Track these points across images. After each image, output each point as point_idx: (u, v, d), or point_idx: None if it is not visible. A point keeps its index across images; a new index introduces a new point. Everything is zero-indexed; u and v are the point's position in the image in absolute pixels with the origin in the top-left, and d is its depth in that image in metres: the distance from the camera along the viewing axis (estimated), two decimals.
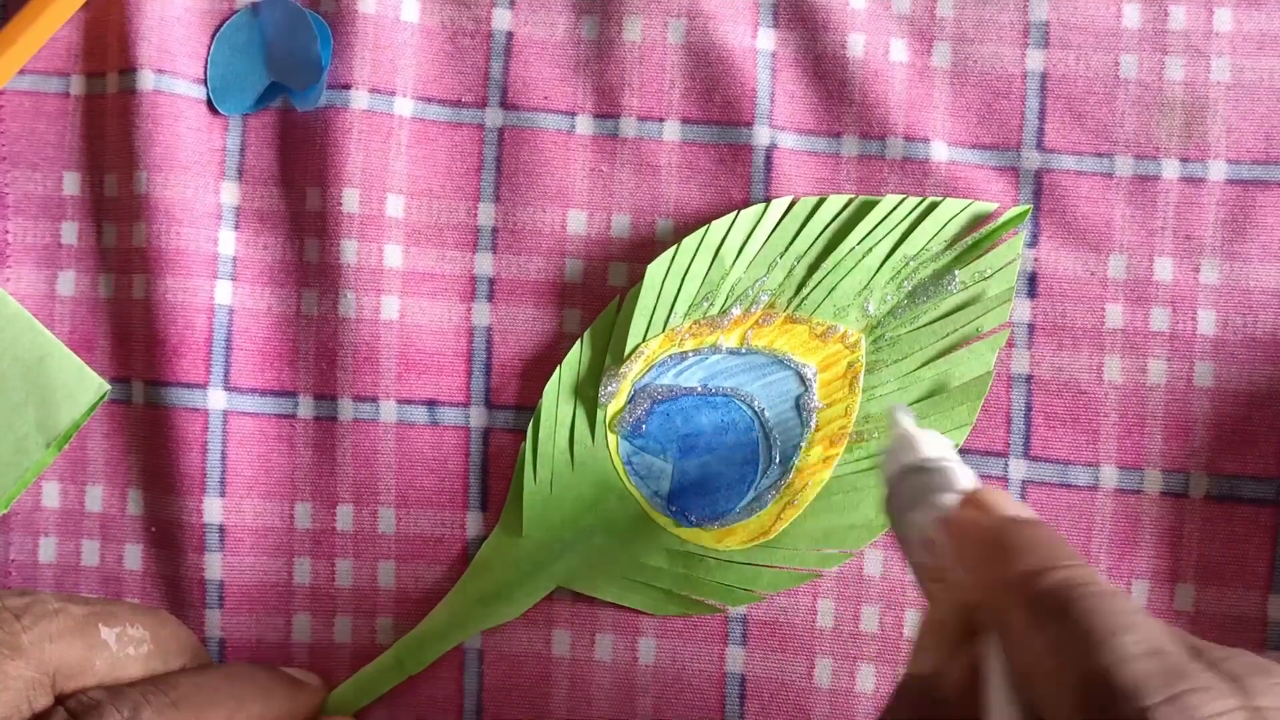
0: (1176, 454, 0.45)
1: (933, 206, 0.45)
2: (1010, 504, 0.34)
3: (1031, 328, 0.46)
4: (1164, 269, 0.45)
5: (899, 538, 0.37)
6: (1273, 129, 0.45)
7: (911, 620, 0.45)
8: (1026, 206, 0.45)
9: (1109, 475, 0.45)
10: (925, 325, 0.46)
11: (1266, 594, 0.45)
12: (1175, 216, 0.45)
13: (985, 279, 0.45)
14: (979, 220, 0.45)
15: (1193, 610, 0.45)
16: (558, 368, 0.46)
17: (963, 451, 0.45)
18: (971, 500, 0.35)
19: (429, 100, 0.47)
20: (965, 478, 0.36)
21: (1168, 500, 0.45)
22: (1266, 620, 0.45)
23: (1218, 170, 0.45)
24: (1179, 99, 0.45)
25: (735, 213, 0.45)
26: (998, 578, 0.31)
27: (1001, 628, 0.31)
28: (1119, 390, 0.45)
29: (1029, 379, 0.45)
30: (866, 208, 0.45)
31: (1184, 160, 0.45)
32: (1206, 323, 0.45)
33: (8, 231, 0.46)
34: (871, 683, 0.45)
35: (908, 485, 0.37)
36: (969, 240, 0.45)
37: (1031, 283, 0.46)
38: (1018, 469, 0.45)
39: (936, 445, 0.38)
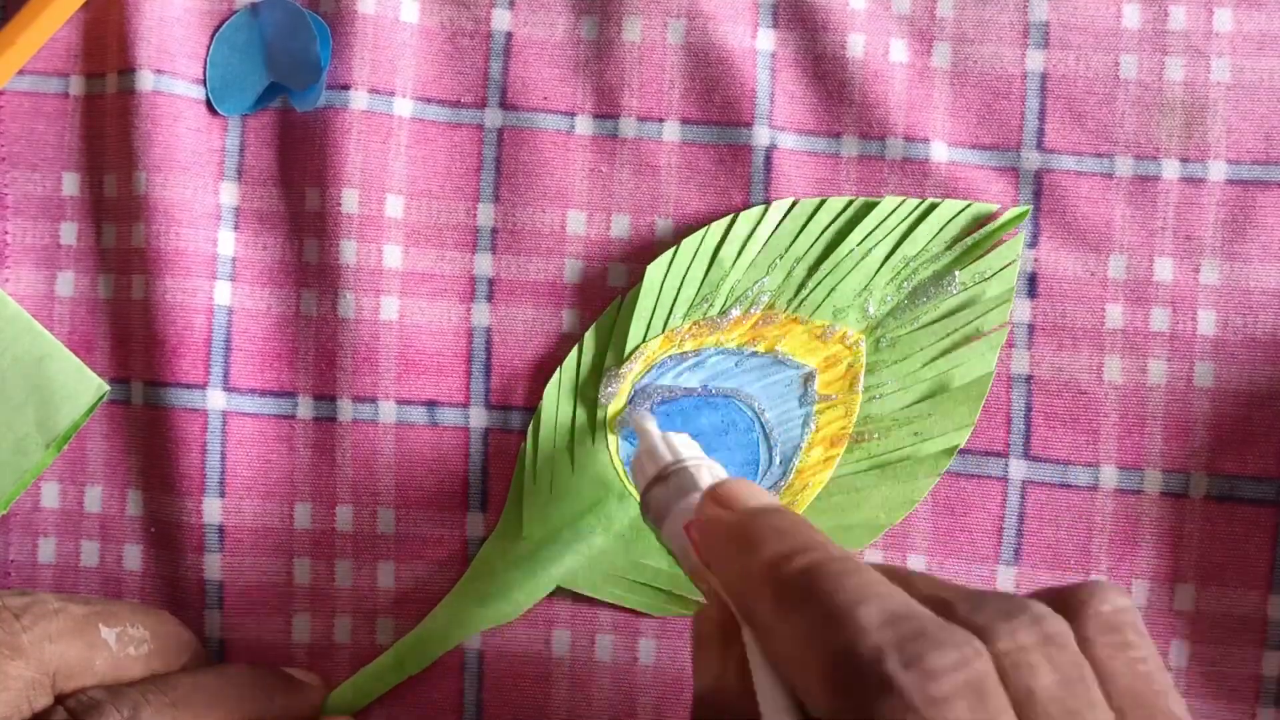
0: (1176, 454, 0.45)
1: (932, 207, 0.45)
2: (753, 494, 0.34)
3: (1031, 328, 0.46)
4: (1164, 269, 0.45)
5: (668, 547, 0.37)
6: (1273, 129, 0.45)
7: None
8: (1026, 207, 0.45)
9: (1109, 475, 0.45)
10: (925, 326, 0.46)
11: (1266, 594, 0.45)
12: (1175, 217, 0.45)
13: (985, 280, 0.45)
14: (979, 221, 0.45)
15: (1193, 610, 0.45)
16: (558, 369, 0.46)
17: (963, 452, 0.45)
18: (712, 496, 0.34)
19: (428, 101, 0.47)
20: (709, 475, 0.36)
21: (1168, 500, 0.45)
22: (1267, 620, 0.45)
23: (1218, 170, 0.45)
24: (1179, 99, 0.45)
25: (735, 214, 0.45)
26: (743, 572, 0.31)
27: (751, 622, 0.31)
28: (1119, 390, 0.45)
29: (1029, 379, 0.46)
30: (866, 209, 0.45)
31: (1184, 160, 0.45)
32: (1206, 323, 0.45)
33: (7, 232, 0.46)
34: None
35: (657, 493, 0.37)
36: (969, 241, 0.45)
37: (1031, 283, 0.46)
38: (1018, 469, 0.45)
39: (680, 446, 0.38)
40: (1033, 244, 0.46)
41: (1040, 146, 0.46)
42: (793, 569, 0.30)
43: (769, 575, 0.30)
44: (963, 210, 0.45)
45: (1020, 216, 0.45)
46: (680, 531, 0.35)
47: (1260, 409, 0.45)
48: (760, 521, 0.32)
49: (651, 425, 0.40)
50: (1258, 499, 0.45)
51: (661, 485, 0.37)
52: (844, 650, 0.28)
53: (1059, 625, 0.29)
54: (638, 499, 0.45)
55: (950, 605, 0.30)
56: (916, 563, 0.46)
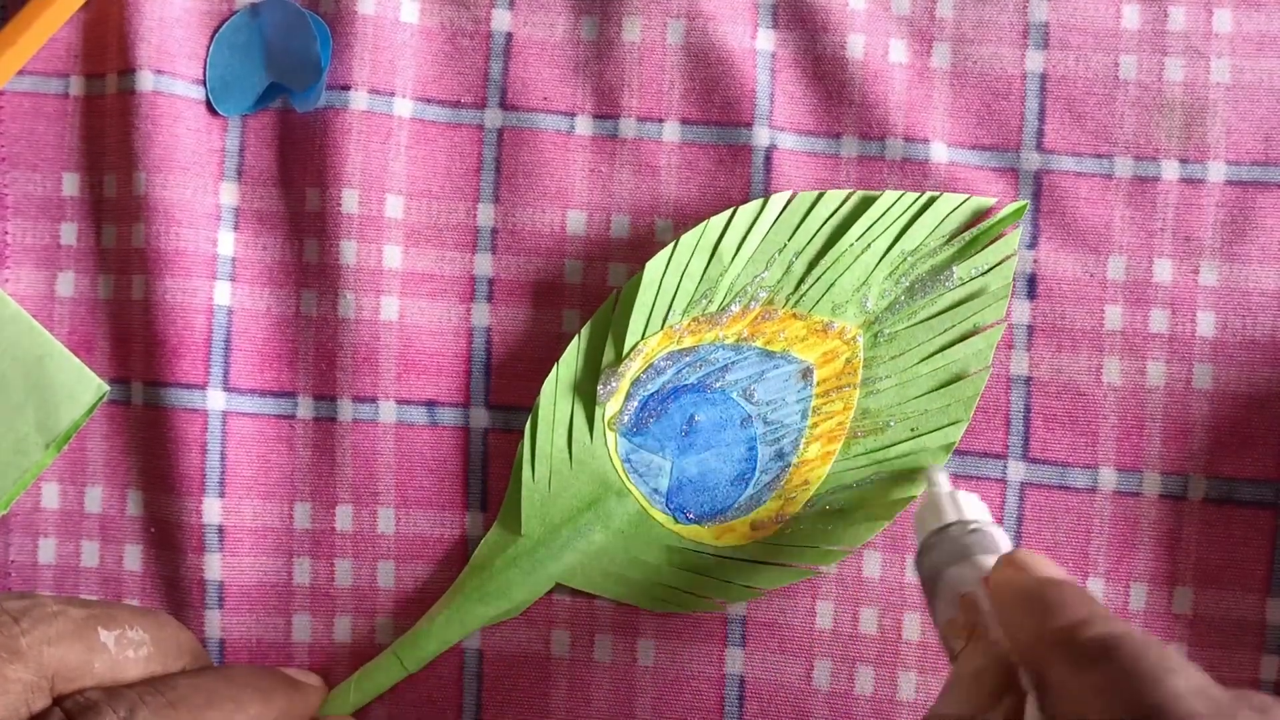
0: (1175, 456, 0.45)
1: (930, 202, 0.45)
2: (1046, 565, 0.36)
3: (1031, 329, 0.46)
4: (1163, 270, 0.45)
5: (928, 591, 0.39)
6: (1272, 130, 0.45)
7: (910, 623, 0.45)
8: (1024, 202, 0.45)
9: (1108, 477, 0.45)
10: (923, 321, 0.46)
11: (1265, 597, 0.45)
12: (1174, 218, 0.45)
13: (983, 274, 0.45)
14: (977, 215, 0.45)
15: (1191, 613, 0.45)
16: (555, 366, 0.46)
17: (961, 453, 0.45)
18: (1010, 560, 0.36)
19: (428, 101, 0.47)
20: (1003, 540, 0.39)
21: (1166, 503, 0.45)
22: (1264, 623, 0.45)
23: (1217, 171, 0.45)
24: (1178, 100, 0.45)
25: (733, 209, 0.45)
26: (1038, 632, 0.33)
27: (1042, 679, 0.32)
28: (1118, 392, 0.45)
29: (1028, 380, 0.46)
30: (865, 204, 0.45)
31: (1183, 161, 0.45)
32: (1205, 325, 0.45)
33: (7, 232, 0.46)
34: (870, 685, 0.45)
35: (946, 543, 0.39)
36: (967, 236, 0.45)
37: (1031, 284, 0.46)
38: (1016, 471, 0.45)
39: (975, 507, 0.40)
40: (1032, 245, 0.46)
41: (1040, 147, 0.46)
42: (1093, 634, 0.32)
43: (1066, 637, 0.32)
44: (961, 204, 0.45)
45: (1019, 211, 0.45)
46: (970, 581, 0.37)
47: (1259, 411, 0.45)
48: (1057, 589, 0.34)
49: (943, 480, 0.42)
50: (1256, 501, 0.45)
51: (958, 536, 0.39)
52: (1153, 711, 0.29)
53: None
54: (638, 496, 0.45)
55: (1242, 696, 0.31)
56: None
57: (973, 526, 0.39)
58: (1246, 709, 0.29)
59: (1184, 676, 0.30)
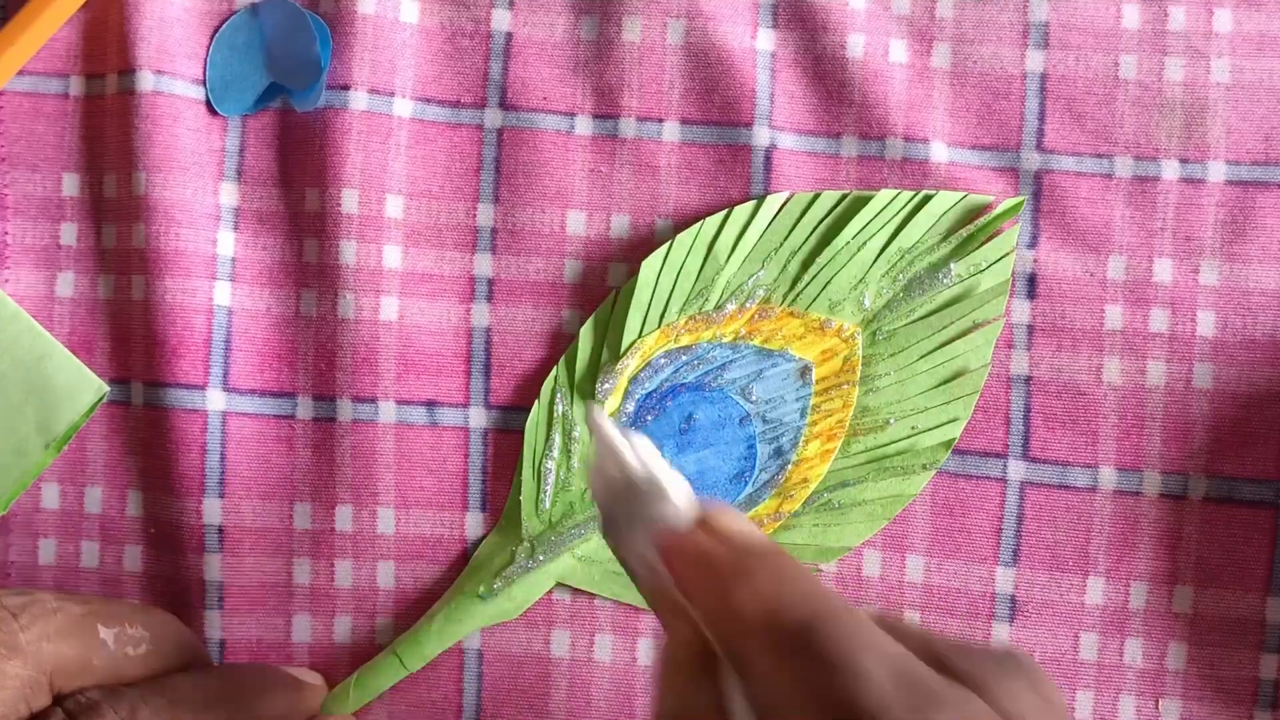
0: (1175, 456, 0.45)
1: (927, 199, 0.45)
2: (746, 529, 0.32)
3: (1031, 329, 0.45)
4: (1163, 270, 0.45)
5: (621, 563, 0.34)
6: (1272, 130, 0.45)
7: (911, 622, 0.45)
8: (1022, 198, 0.45)
9: (1108, 477, 0.45)
10: (921, 318, 0.46)
11: (1265, 596, 0.45)
12: (1175, 217, 0.45)
13: (981, 271, 0.45)
14: (975, 212, 0.45)
15: (1191, 612, 0.45)
16: (555, 365, 0.46)
17: (962, 452, 0.45)
18: (703, 525, 0.32)
19: (428, 101, 0.47)
20: (681, 491, 0.34)
21: (1166, 502, 0.45)
22: (1264, 622, 0.45)
23: (1217, 171, 0.45)
24: (1179, 100, 0.45)
25: (729, 208, 0.45)
26: (733, 613, 0.30)
27: (740, 665, 0.30)
28: (1118, 392, 0.45)
29: (1028, 380, 0.45)
30: (861, 202, 0.45)
31: (1183, 161, 0.45)
32: (1206, 324, 0.45)
33: (7, 233, 0.47)
34: None
35: (621, 503, 0.34)
36: (964, 233, 0.45)
37: (1031, 284, 0.46)
38: (1016, 470, 0.45)
39: (644, 451, 0.34)
40: (1032, 244, 0.46)
41: (1040, 147, 0.46)
42: (792, 617, 0.29)
43: (766, 621, 0.29)
44: (958, 202, 0.45)
45: (1016, 207, 0.45)
46: (649, 550, 0.33)
47: (1259, 411, 0.45)
48: (757, 563, 0.31)
49: (609, 427, 0.35)
50: (1256, 501, 0.45)
51: (630, 492, 0.34)
52: (847, 703, 0.27)
53: (1041, 671, 0.30)
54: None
55: (944, 659, 0.29)
56: (915, 563, 0.46)
57: (645, 477, 0.33)
58: (947, 687, 0.28)
59: (880, 660, 0.28)
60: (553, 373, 0.46)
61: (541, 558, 0.45)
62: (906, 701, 0.27)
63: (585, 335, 0.46)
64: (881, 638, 0.29)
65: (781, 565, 0.31)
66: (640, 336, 0.45)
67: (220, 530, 0.46)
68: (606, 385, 0.45)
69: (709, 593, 0.31)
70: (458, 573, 0.46)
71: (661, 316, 0.45)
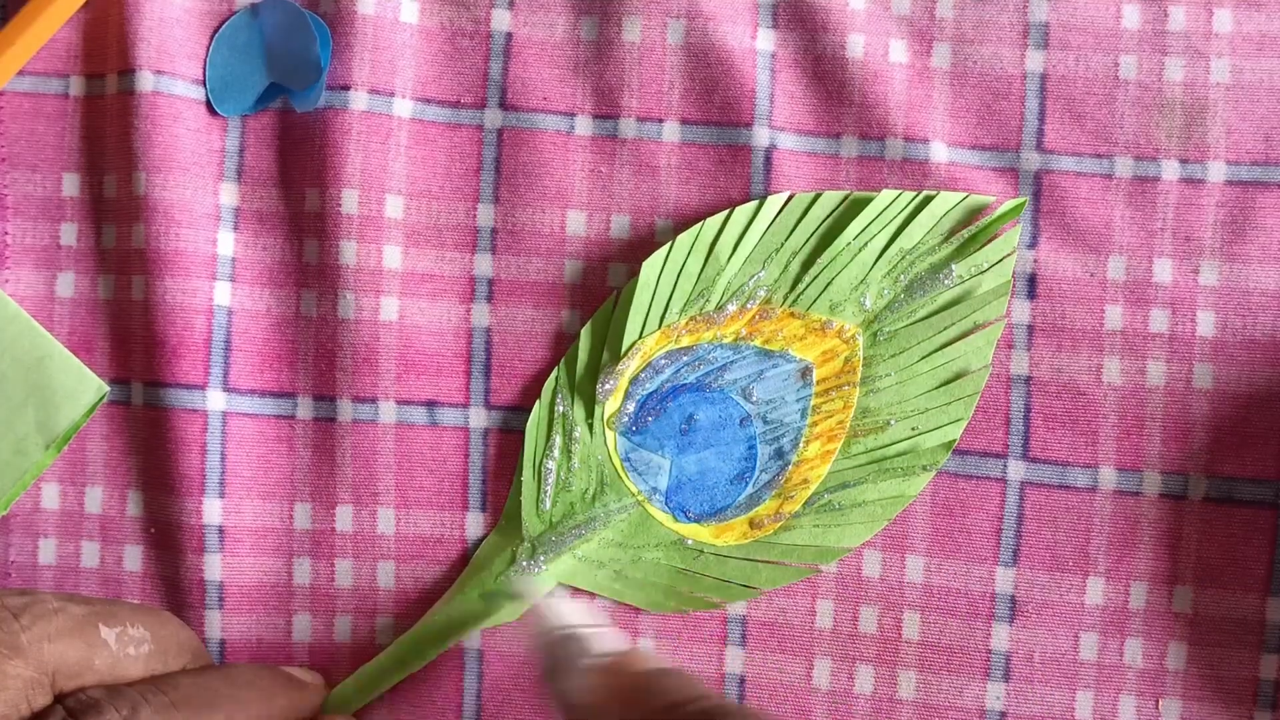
0: (1175, 456, 0.45)
1: (928, 200, 0.45)
2: (645, 659, 0.38)
3: (1031, 329, 0.46)
4: (1163, 270, 0.45)
5: (554, 698, 0.39)
6: (1272, 130, 0.45)
7: (910, 622, 0.45)
8: (1023, 199, 0.45)
9: (1108, 477, 0.45)
10: (923, 319, 0.46)
11: (1265, 596, 0.45)
12: (1175, 218, 0.45)
13: (982, 272, 0.45)
14: (976, 213, 0.45)
15: (1191, 613, 0.45)
16: (556, 366, 0.46)
17: (962, 453, 0.45)
18: (623, 660, 0.38)
19: (428, 101, 0.47)
20: (610, 638, 0.40)
21: (1166, 502, 0.45)
22: (1264, 623, 0.45)
23: (1217, 171, 0.45)
24: (1178, 100, 0.45)
25: (730, 209, 0.45)
26: (647, 715, 0.35)
27: None
28: (1118, 392, 0.45)
29: (1028, 380, 0.46)
30: (862, 203, 0.45)
31: (1183, 161, 0.45)
32: (1205, 324, 0.45)
33: (7, 233, 0.47)
34: (870, 684, 0.45)
35: (559, 651, 0.40)
36: (966, 233, 0.45)
37: (1031, 284, 0.46)
38: (1016, 470, 0.45)
39: (577, 612, 0.41)
40: (1032, 245, 0.46)
41: (1040, 147, 0.46)
42: (691, 710, 0.34)
43: (669, 715, 0.34)
44: (959, 202, 0.45)
45: (1018, 208, 0.45)
46: (573, 688, 0.38)
47: (1259, 411, 0.45)
48: (661, 677, 0.36)
49: (528, 592, 0.44)
50: (1256, 501, 0.45)
51: (566, 643, 0.40)
52: None
53: None
54: (637, 495, 0.45)
55: None
56: (915, 564, 0.46)
57: (581, 631, 0.40)
58: None
59: None
60: (554, 373, 0.46)
61: (542, 558, 0.45)
62: None
63: (586, 336, 0.46)
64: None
65: (683, 679, 0.37)
66: (641, 337, 0.45)
67: (220, 530, 0.46)
68: (607, 386, 0.45)
69: (632, 705, 0.36)
70: (458, 573, 0.46)
71: (662, 317, 0.45)
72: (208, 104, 0.46)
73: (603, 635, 0.40)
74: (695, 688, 0.35)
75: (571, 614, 0.41)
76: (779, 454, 0.46)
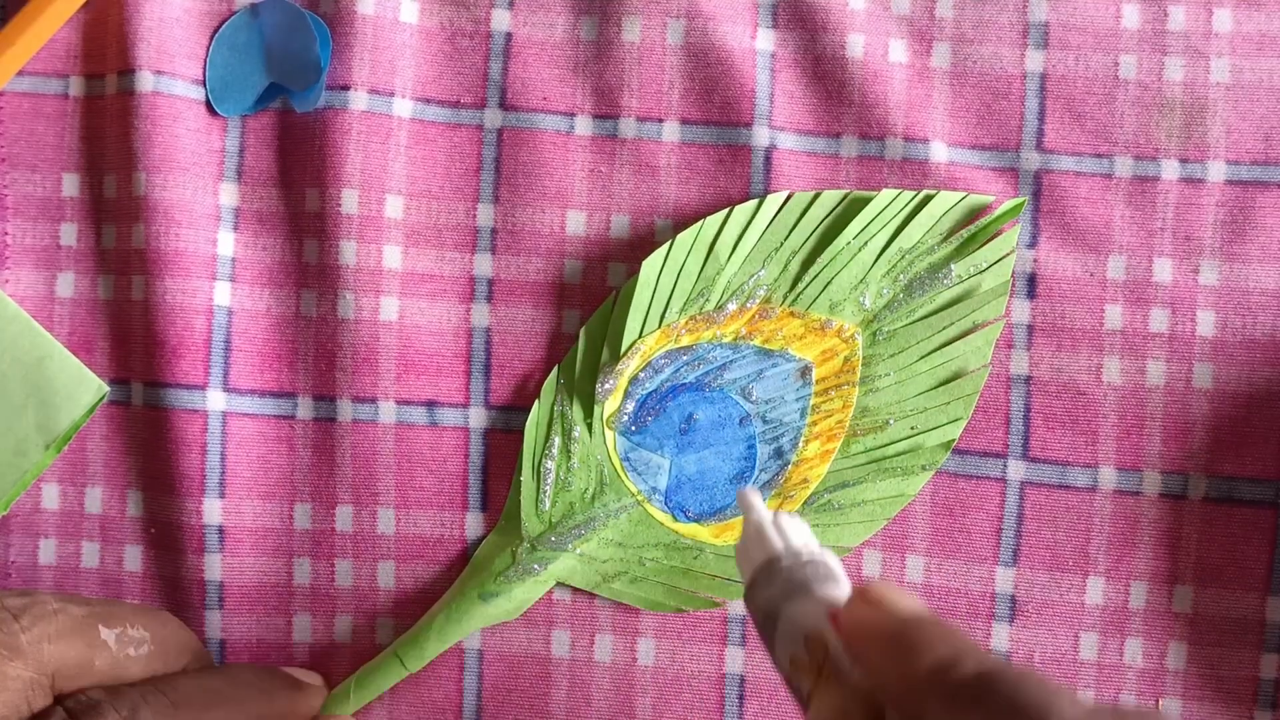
0: (1175, 455, 0.45)
1: (928, 199, 0.45)
2: (902, 597, 0.34)
3: (1031, 329, 0.46)
4: (1163, 270, 0.45)
5: (764, 629, 0.36)
6: (1272, 129, 0.45)
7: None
8: (1023, 198, 0.45)
9: (1108, 477, 0.45)
10: (922, 318, 0.46)
11: (1265, 596, 0.45)
12: (1174, 217, 0.45)
13: (981, 272, 0.45)
14: (975, 212, 0.45)
15: (1191, 612, 0.45)
16: (555, 366, 0.46)
17: (962, 453, 0.45)
18: (863, 597, 0.34)
19: (428, 101, 0.47)
20: (836, 566, 0.36)
21: (1166, 502, 0.45)
22: (1264, 622, 0.45)
23: (1217, 171, 0.45)
24: (1178, 99, 0.45)
25: (730, 208, 0.45)
26: (907, 674, 0.31)
27: None
28: (1118, 391, 0.45)
29: (1028, 380, 0.46)
30: (861, 202, 0.45)
31: (1183, 161, 0.45)
32: (1205, 324, 0.45)
33: (7, 233, 0.47)
34: None
35: (780, 576, 0.36)
36: (965, 233, 0.45)
37: (1031, 283, 0.46)
38: (1016, 470, 0.45)
39: (800, 532, 0.37)
40: (1032, 244, 0.46)
41: (1040, 147, 0.46)
42: (965, 673, 0.30)
43: (938, 679, 0.31)
44: (959, 202, 0.45)
45: (1017, 208, 0.45)
46: (802, 623, 0.35)
47: (1259, 410, 0.45)
48: (921, 627, 0.32)
49: (759, 505, 0.37)
50: (1256, 500, 0.45)
51: (790, 568, 0.36)
52: None
53: None
54: (637, 495, 0.45)
55: (1122, 715, 0.30)
56: (915, 563, 0.46)
57: (806, 557, 0.36)
58: None
59: (1068, 703, 0.29)
60: (553, 372, 0.46)
61: (542, 558, 0.45)
62: None
63: (585, 336, 0.46)
64: (1065, 689, 0.30)
65: (947, 630, 0.32)
66: (640, 337, 0.45)
67: (220, 530, 0.46)
68: (607, 385, 0.45)
69: (881, 659, 0.32)
70: (458, 573, 0.46)
71: (662, 317, 0.45)
72: (208, 104, 0.46)
73: (834, 562, 0.36)
74: (956, 642, 0.32)
75: (799, 533, 0.36)
76: (778, 453, 0.46)
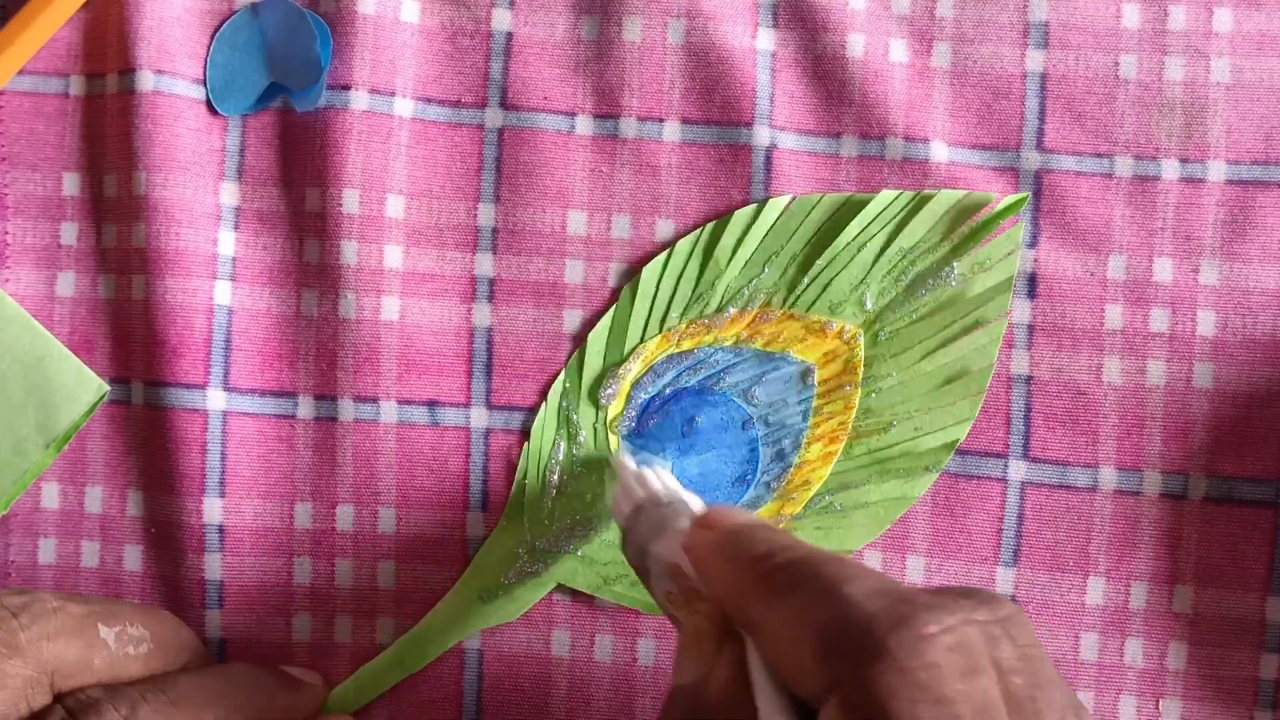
0: (1175, 455, 0.45)
1: (927, 199, 0.45)
2: (736, 514, 0.36)
3: (1031, 328, 0.45)
4: (1163, 270, 0.45)
5: (641, 571, 0.39)
6: (1272, 129, 0.45)
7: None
8: (1024, 194, 0.45)
9: (1108, 477, 0.45)
10: (924, 318, 0.46)
11: (1265, 596, 0.45)
12: (1175, 217, 0.45)
13: (984, 270, 0.45)
14: (974, 210, 0.45)
15: (1191, 612, 0.45)
16: (559, 366, 0.46)
17: (962, 452, 0.45)
18: (701, 521, 0.36)
19: (429, 101, 0.47)
20: (695, 504, 0.39)
21: (1166, 502, 0.45)
22: (1265, 622, 0.45)
23: (1217, 171, 0.45)
24: (1179, 99, 0.45)
25: (729, 212, 0.45)
26: (734, 577, 0.33)
27: (747, 622, 0.32)
28: (1118, 391, 0.45)
29: (1028, 380, 0.45)
30: (860, 204, 0.45)
31: (1184, 161, 0.45)
32: (1206, 324, 0.45)
33: (7, 232, 0.47)
34: None
35: (644, 520, 0.39)
36: (965, 230, 0.45)
37: (1031, 283, 0.46)
38: (1017, 470, 0.45)
39: (664, 479, 0.40)
40: (1032, 244, 0.46)
41: (1040, 146, 0.46)
42: (778, 562, 0.32)
43: (757, 573, 0.32)
44: (959, 200, 0.45)
45: (1018, 204, 0.45)
46: (665, 558, 0.37)
47: (1259, 410, 0.45)
48: (745, 532, 0.34)
49: (628, 461, 0.42)
50: (1256, 500, 0.45)
51: (653, 511, 0.39)
52: (834, 621, 0.29)
53: (1013, 609, 0.31)
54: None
55: (921, 591, 0.31)
56: (916, 564, 0.46)
57: (664, 499, 0.39)
58: (928, 597, 0.30)
59: (860, 580, 0.30)
60: (560, 376, 0.46)
61: (543, 559, 0.45)
62: (890, 611, 0.29)
63: (594, 341, 0.46)
64: (860, 567, 0.31)
65: (764, 530, 0.34)
66: (641, 341, 0.45)
67: (221, 530, 0.46)
68: (609, 390, 0.45)
69: (715, 568, 0.35)
70: (458, 573, 0.46)
71: (662, 321, 0.45)
72: (208, 103, 0.46)
73: (694, 500, 0.39)
74: (784, 538, 0.34)
75: (662, 480, 0.40)
76: (780, 456, 0.46)
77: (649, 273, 0.45)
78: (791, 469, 0.46)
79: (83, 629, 0.40)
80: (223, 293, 0.46)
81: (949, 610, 0.29)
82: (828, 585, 0.30)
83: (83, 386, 0.44)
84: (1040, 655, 0.30)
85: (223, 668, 0.44)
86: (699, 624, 0.34)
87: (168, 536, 0.46)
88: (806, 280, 0.45)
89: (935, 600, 0.29)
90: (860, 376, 0.46)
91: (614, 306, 0.46)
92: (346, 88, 0.46)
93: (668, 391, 0.46)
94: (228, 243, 0.46)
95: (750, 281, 0.45)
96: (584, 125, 0.46)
